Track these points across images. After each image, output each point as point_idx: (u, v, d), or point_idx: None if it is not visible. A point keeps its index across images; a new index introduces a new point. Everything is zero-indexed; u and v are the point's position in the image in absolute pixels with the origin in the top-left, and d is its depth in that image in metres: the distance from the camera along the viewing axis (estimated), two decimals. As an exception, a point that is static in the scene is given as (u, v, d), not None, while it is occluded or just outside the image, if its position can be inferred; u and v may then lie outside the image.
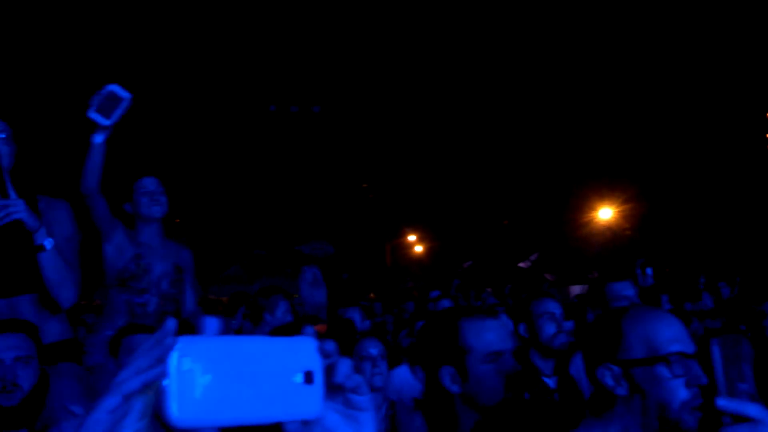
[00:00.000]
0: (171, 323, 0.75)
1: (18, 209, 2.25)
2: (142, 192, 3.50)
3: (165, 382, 0.72)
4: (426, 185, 25.31)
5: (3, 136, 2.47)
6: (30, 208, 2.35)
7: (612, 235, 21.42)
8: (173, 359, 0.72)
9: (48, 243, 2.37)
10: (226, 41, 21.68)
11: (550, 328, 3.00)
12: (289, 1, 21.53)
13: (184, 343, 0.72)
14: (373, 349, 3.23)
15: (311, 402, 0.77)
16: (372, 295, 16.00)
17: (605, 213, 22.19)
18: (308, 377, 0.77)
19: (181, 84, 19.98)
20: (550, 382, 2.97)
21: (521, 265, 16.40)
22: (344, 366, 0.81)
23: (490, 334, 1.75)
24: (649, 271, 7.80)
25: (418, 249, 28.29)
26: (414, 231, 27.82)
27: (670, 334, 1.51)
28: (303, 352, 0.78)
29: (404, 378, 3.53)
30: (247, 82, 22.85)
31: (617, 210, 21.70)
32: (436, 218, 25.61)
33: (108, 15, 18.95)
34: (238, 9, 21.07)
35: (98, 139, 2.91)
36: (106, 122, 2.82)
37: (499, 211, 24.72)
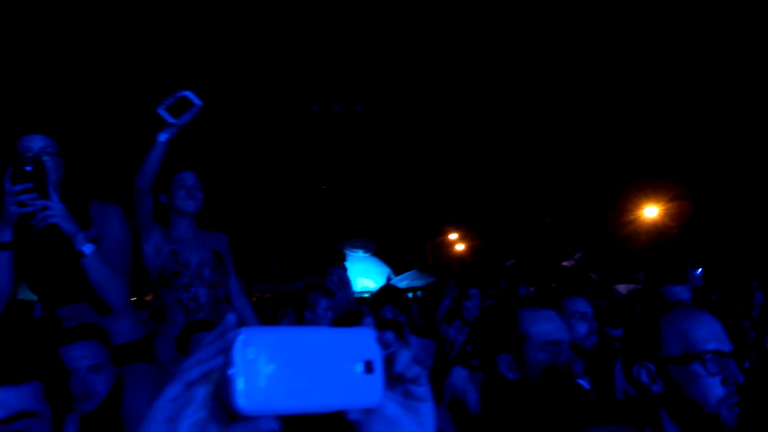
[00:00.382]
0: (231, 317, 0.78)
1: (55, 213, 2.28)
2: (180, 185, 3.56)
3: (230, 371, 0.74)
4: (468, 183, 25.20)
5: (50, 150, 2.51)
6: (72, 214, 2.38)
7: (658, 233, 21.04)
8: (238, 348, 0.74)
9: (87, 248, 2.40)
10: (268, 42, 21.93)
11: (582, 328, 2.97)
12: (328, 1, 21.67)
13: (248, 333, 0.74)
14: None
15: (372, 391, 0.79)
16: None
17: (651, 211, 21.81)
18: (368, 367, 0.79)
19: (226, 84, 20.28)
20: (582, 382, 2.96)
21: (565, 263, 16.22)
22: (404, 356, 0.82)
23: (549, 324, 1.81)
24: (698, 272, 7.67)
25: (460, 247, 28.18)
26: (455, 229, 27.72)
27: (707, 333, 1.53)
28: (363, 342, 0.80)
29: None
30: (289, 81, 23.06)
31: (663, 208, 21.31)
32: (478, 216, 25.48)
33: (152, 19, 19.34)
34: (281, 9, 21.29)
35: (162, 137, 2.99)
36: (172, 120, 2.91)
37: (542, 209, 24.47)
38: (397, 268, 21.79)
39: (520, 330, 1.79)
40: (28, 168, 2.20)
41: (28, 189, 2.21)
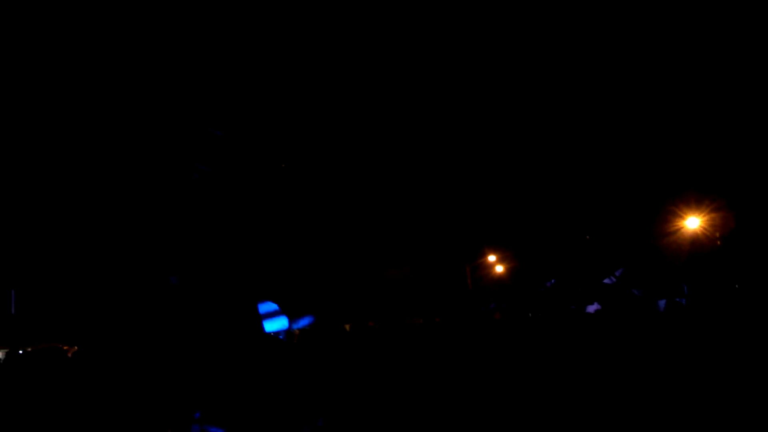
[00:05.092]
0: None
1: None
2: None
3: None
4: (505, 204, 25.10)
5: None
6: None
7: (700, 245, 20.65)
8: None
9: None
10: (290, 62, 22.26)
11: None
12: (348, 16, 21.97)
13: None
14: None
15: None
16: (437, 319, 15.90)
17: (692, 223, 21.43)
18: None
19: (249, 113, 20.61)
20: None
21: (606, 281, 15.99)
22: None
23: None
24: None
25: (499, 269, 27.99)
26: (494, 251, 27.57)
27: None
28: None
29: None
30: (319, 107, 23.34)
31: (704, 219, 20.92)
32: (516, 237, 25.32)
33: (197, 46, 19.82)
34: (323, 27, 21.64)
35: None
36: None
37: (581, 227, 24.22)
38: (436, 291, 21.75)
39: None
40: None
41: None
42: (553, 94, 22.81)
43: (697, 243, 21.13)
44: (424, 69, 23.27)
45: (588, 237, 23.69)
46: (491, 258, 27.88)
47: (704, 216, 20.96)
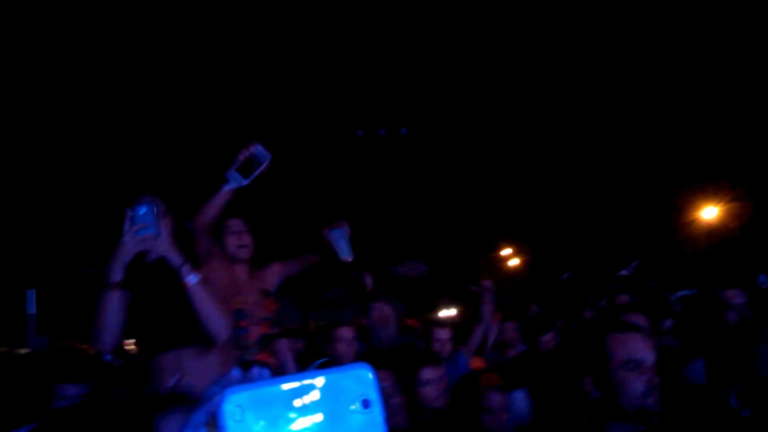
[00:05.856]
0: (234, 373, 0.79)
1: (163, 245, 2.42)
2: (230, 232, 3.71)
3: None
4: (519, 197, 25.00)
5: (161, 210, 2.56)
6: (178, 249, 2.49)
7: (718, 236, 20.45)
8: (224, 411, 0.73)
9: (192, 278, 2.47)
10: (312, 69, 22.30)
11: None
12: (372, 28, 21.94)
13: (232, 393, 0.73)
14: None
15: (372, 429, 0.77)
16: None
17: (710, 212, 21.21)
18: (365, 404, 0.77)
19: (272, 114, 20.68)
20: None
21: (622, 273, 15.82)
22: None
23: (632, 345, 1.85)
24: (763, 278, 7.42)
25: (514, 263, 27.89)
26: (509, 244, 27.46)
27: None
28: (358, 380, 0.77)
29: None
30: (334, 109, 23.37)
31: (722, 209, 20.71)
32: (531, 230, 25.21)
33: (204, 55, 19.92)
34: (327, 37, 21.66)
35: (228, 187, 3.14)
36: (244, 182, 3.07)
37: (596, 218, 24.06)
38: (451, 286, 21.66)
39: (603, 351, 1.86)
40: (143, 209, 2.39)
41: (143, 225, 2.37)
42: (566, 87, 22.68)
43: (714, 233, 20.94)
44: (436, 66, 23.20)
45: (604, 228, 23.49)
46: (506, 252, 27.79)
47: (721, 206, 20.76)
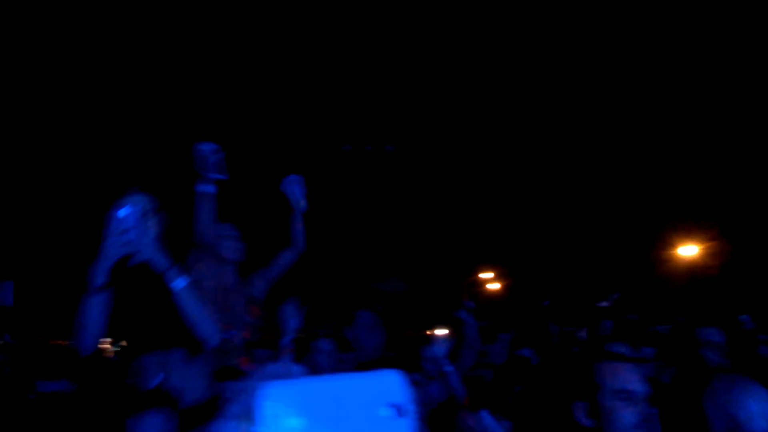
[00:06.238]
0: (263, 372, 0.78)
1: (147, 246, 2.35)
2: (226, 235, 3.74)
3: (255, 429, 0.73)
4: (502, 221, 25.11)
5: (151, 207, 2.55)
6: (166, 252, 2.43)
7: (697, 273, 20.63)
8: (261, 405, 0.74)
9: (180, 282, 2.42)
10: (300, 82, 22.36)
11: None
12: (362, 42, 22.06)
13: (270, 388, 0.74)
14: None
15: None
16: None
17: (689, 250, 21.39)
18: (398, 410, 0.77)
19: (258, 126, 20.68)
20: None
21: (602, 304, 15.88)
22: None
23: (623, 375, 1.86)
24: (746, 317, 7.45)
25: (494, 287, 27.93)
26: (490, 268, 27.52)
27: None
28: (391, 385, 0.77)
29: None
30: (322, 122, 23.43)
31: (702, 247, 20.91)
32: (512, 255, 25.31)
33: (194, 63, 19.91)
34: (311, 51, 21.75)
35: (209, 189, 3.17)
36: (224, 177, 3.08)
37: (578, 248, 24.20)
38: (431, 306, 21.63)
39: (595, 379, 1.87)
40: (127, 211, 2.33)
41: (127, 227, 2.31)
42: (550, 115, 22.90)
43: (693, 271, 21.12)
44: (426, 87, 23.34)
45: (585, 258, 23.64)
46: (487, 275, 27.83)
47: (702, 244, 20.96)
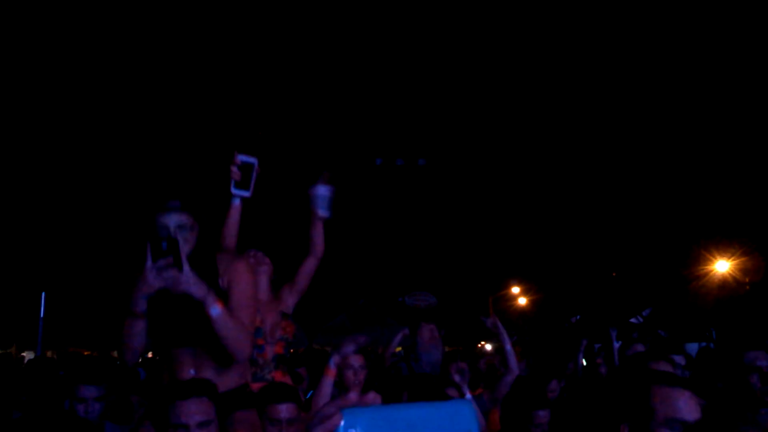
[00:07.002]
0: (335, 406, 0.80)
1: (187, 282, 2.42)
2: (253, 252, 3.87)
3: None
4: (531, 235, 24.94)
5: (185, 223, 2.64)
6: (201, 268, 2.53)
7: (730, 289, 20.26)
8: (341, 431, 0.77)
9: (213, 311, 2.48)
10: (332, 96, 22.53)
11: None
12: (400, 58, 22.20)
13: (350, 415, 0.78)
14: None
15: None
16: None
17: (722, 266, 21.03)
18: None
19: (290, 141, 20.85)
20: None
21: (632, 320, 15.71)
22: None
23: (681, 404, 1.78)
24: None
25: (522, 301, 27.72)
26: (518, 283, 27.32)
27: None
28: (461, 414, 0.81)
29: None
30: (354, 136, 23.55)
31: (735, 263, 20.54)
32: (541, 269, 25.09)
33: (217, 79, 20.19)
34: (347, 65, 21.92)
35: (237, 201, 3.25)
36: (246, 194, 3.16)
37: (608, 262, 23.92)
38: (459, 321, 21.55)
39: (648, 404, 1.78)
40: (164, 245, 2.40)
41: (167, 265, 2.40)
42: (581, 129, 22.76)
43: (725, 287, 20.75)
44: (458, 102, 23.38)
45: (615, 274, 23.38)
46: (515, 290, 27.64)
47: (734, 260, 20.59)
